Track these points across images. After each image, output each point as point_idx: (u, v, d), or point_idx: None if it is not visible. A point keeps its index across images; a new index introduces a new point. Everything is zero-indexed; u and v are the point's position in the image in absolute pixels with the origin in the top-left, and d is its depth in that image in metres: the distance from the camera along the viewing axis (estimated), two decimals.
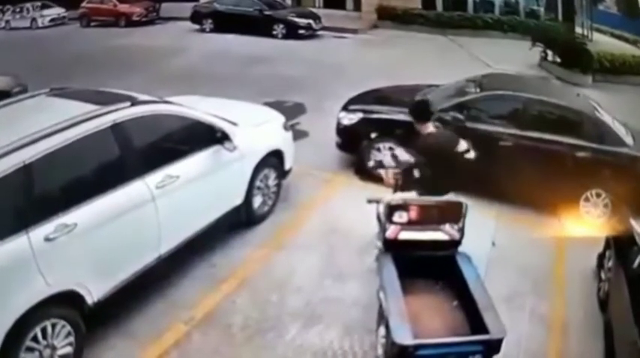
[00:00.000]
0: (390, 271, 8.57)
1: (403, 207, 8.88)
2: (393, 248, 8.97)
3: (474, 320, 7.93)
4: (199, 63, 27.47)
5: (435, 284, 8.88)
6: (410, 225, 8.90)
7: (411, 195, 9.40)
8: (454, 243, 9.05)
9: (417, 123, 9.76)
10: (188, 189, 9.75)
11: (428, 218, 8.94)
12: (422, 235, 8.99)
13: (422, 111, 9.88)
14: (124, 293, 8.89)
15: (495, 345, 7.56)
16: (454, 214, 8.97)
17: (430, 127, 9.63)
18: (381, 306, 8.45)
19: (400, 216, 8.86)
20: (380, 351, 8.36)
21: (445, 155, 9.39)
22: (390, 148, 11.44)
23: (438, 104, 14.00)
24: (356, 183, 14.16)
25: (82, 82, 14.70)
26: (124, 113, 9.07)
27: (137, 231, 8.97)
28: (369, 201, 9.80)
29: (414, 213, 8.86)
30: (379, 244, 9.56)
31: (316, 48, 32.74)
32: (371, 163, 11.07)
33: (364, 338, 9.05)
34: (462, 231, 8.98)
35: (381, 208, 9.33)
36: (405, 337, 7.43)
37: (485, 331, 7.61)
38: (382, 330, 8.23)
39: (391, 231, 8.93)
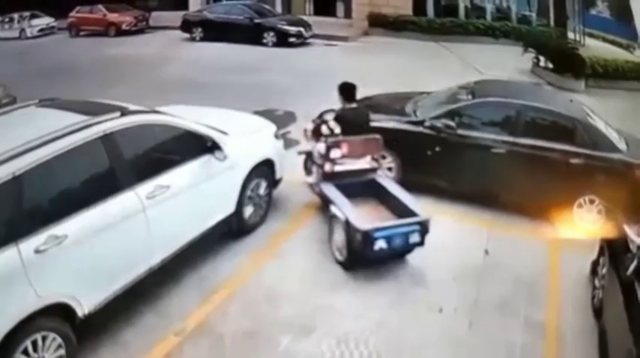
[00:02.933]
0: (335, 191, 11.53)
1: (337, 144, 11.80)
2: (332, 178, 11.91)
3: (404, 215, 11.00)
4: (189, 72, 27.36)
5: (366, 200, 11.86)
6: (343, 159, 11.91)
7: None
8: (375, 170, 12.35)
9: (344, 101, 12.49)
10: (179, 200, 9.70)
11: (355, 152, 12.02)
12: (351, 166, 12.10)
13: (349, 93, 12.53)
14: (115, 305, 8.81)
15: (426, 225, 10.77)
16: (374, 147, 12.25)
17: (353, 105, 12.52)
18: (332, 218, 11.24)
19: (335, 153, 11.81)
20: (337, 255, 11.10)
21: (359, 125, 12.28)
22: (324, 121, 12.49)
23: (429, 111, 14.01)
24: None
25: (71, 92, 14.60)
26: (114, 123, 9.01)
27: (128, 242, 8.88)
28: (300, 153, 13.44)
29: (345, 149, 11.85)
30: (310, 180, 12.80)
31: (307, 56, 32.68)
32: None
33: (357, 346, 8.99)
34: (379, 160, 12.57)
35: (315, 153, 12.24)
36: (365, 225, 10.41)
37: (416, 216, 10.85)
38: (337, 234, 11.06)
39: (329, 166, 11.91)
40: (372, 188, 12.09)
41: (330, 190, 11.61)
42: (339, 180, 11.86)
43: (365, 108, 12.91)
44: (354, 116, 12.29)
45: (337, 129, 12.03)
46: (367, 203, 11.82)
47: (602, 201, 12.86)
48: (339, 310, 9.85)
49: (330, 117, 12.48)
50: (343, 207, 10.99)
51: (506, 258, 11.37)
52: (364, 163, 12.25)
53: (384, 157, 13.52)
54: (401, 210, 11.23)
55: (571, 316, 10.23)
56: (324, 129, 12.18)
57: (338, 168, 11.97)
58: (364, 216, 10.89)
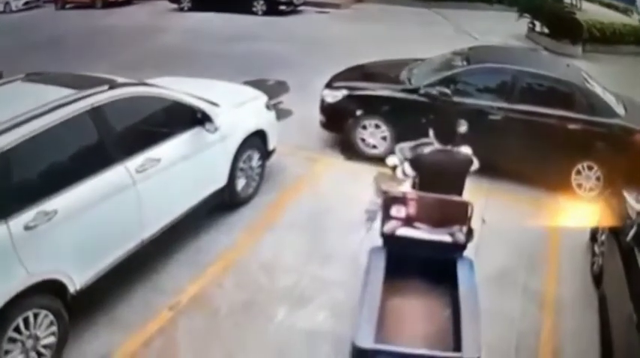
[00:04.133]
0: (378, 269, 8.01)
1: (401, 200, 8.37)
2: (390, 244, 8.39)
3: (459, 334, 7.27)
4: (178, 43, 27.23)
5: (432, 288, 8.13)
6: (410, 221, 8.35)
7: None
8: (459, 247, 8.35)
9: (439, 143, 8.59)
10: (169, 173, 9.61)
11: (429, 216, 8.35)
12: (422, 234, 8.37)
13: (448, 135, 8.66)
14: (108, 280, 8.74)
15: None
16: (458, 215, 8.28)
17: (448, 146, 8.58)
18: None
19: (398, 211, 8.34)
20: None
21: (454, 174, 8.63)
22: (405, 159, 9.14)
23: (424, 79, 13.88)
24: (341, 162, 14.22)
25: (58, 65, 14.46)
26: (102, 96, 8.89)
27: (118, 217, 8.81)
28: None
29: (412, 209, 8.33)
30: (372, 209, 9.28)
31: (298, 24, 32.64)
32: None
33: (353, 318, 8.87)
34: (468, 234, 8.30)
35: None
36: (365, 340, 6.99)
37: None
38: None
39: (388, 226, 8.38)
40: (445, 274, 8.13)
41: (374, 264, 8.15)
42: (401, 248, 8.40)
43: (465, 155, 8.87)
44: (444, 163, 8.64)
45: (410, 176, 8.89)
46: (428, 297, 8.15)
47: (600, 168, 12.84)
48: (334, 281, 9.79)
49: (419, 151, 9.04)
50: (366, 298, 7.66)
51: (504, 226, 11.24)
52: (443, 234, 8.42)
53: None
54: (459, 328, 7.44)
55: (570, 283, 10.23)
56: (398, 171, 9.09)
57: (401, 232, 8.44)
58: (396, 322, 7.74)
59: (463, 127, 9.38)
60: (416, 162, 8.67)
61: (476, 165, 8.81)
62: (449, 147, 8.57)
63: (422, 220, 8.35)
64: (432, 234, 8.36)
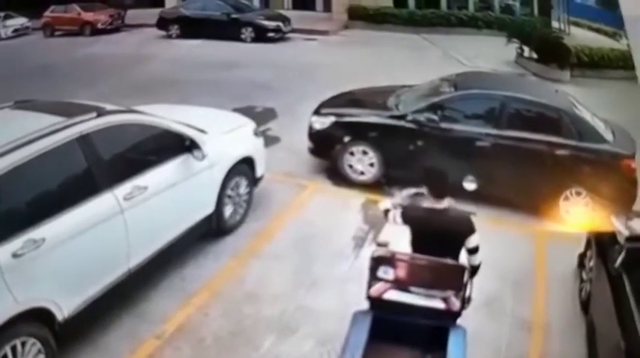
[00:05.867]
0: (360, 334, 7.49)
1: (390, 261, 7.62)
2: (376, 308, 7.77)
3: None
4: (167, 70, 27.18)
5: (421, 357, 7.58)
6: (399, 284, 7.64)
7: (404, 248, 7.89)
8: (452, 314, 7.69)
9: (431, 196, 7.86)
10: (157, 200, 9.58)
11: (420, 279, 7.63)
12: (413, 299, 7.64)
13: (438, 184, 7.97)
14: (95, 309, 8.69)
15: None
16: (453, 279, 7.62)
17: (444, 203, 7.79)
18: None
19: (385, 272, 7.62)
20: None
21: (447, 237, 7.78)
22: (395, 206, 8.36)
23: (411, 105, 13.90)
24: (330, 188, 14.18)
25: (47, 93, 14.44)
26: (91, 124, 8.89)
27: (106, 245, 8.77)
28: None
29: (402, 271, 7.62)
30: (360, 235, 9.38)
31: (286, 51, 32.69)
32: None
33: (339, 348, 8.83)
34: (463, 300, 7.65)
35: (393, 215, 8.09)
36: None
37: None
38: None
39: (375, 289, 7.70)
40: (435, 343, 7.55)
41: (356, 329, 7.63)
42: (389, 313, 7.75)
43: (464, 214, 8.09)
44: (436, 223, 7.81)
45: (397, 227, 8.12)
46: None
47: (589, 193, 12.85)
48: (321, 310, 9.75)
49: (416, 202, 8.27)
50: None
51: (492, 252, 11.11)
52: (436, 300, 7.67)
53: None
54: None
55: (558, 310, 10.21)
56: (390, 217, 8.28)
57: (389, 295, 7.74)
58: None
59: (471, 184, 9.13)
60: (407, 214, 7.99)
61: (475, 241, 8.05)
62: (446, 206, 7.82)
63: (413, 283, 7.65)
64: (423, 299, 7.64)
